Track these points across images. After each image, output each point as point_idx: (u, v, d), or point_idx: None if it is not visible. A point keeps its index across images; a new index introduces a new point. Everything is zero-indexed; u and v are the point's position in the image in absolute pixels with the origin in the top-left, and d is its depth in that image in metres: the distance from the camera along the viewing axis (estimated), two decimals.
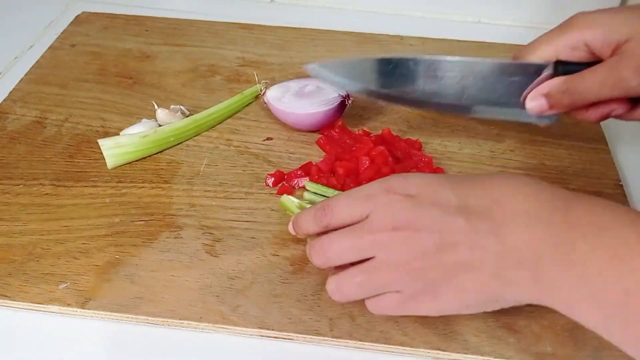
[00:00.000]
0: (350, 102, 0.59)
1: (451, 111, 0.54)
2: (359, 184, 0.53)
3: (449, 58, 0.49)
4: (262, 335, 0.44)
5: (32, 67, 0.69)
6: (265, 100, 0.61)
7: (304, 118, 0.59)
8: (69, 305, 0.45)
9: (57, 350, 0.44)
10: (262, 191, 0.54)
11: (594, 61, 0.45)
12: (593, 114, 0.46)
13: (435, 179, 0.39)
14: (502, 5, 0.80)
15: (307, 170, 0.56)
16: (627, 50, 0.42)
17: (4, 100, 0.65)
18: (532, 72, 0.47)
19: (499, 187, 0.38)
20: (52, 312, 0.46)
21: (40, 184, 0.55)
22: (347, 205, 0.40)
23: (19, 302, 0.46)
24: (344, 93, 0.59)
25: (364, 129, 0.61)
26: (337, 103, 0.58)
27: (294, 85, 0.61)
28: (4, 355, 0.44)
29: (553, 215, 0.35)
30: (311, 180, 0.54)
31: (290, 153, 0.59)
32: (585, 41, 0.44)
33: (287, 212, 0.49)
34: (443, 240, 0.36)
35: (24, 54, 0.74)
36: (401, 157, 0.57)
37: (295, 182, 0.55)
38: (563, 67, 0.45)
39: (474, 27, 0.81)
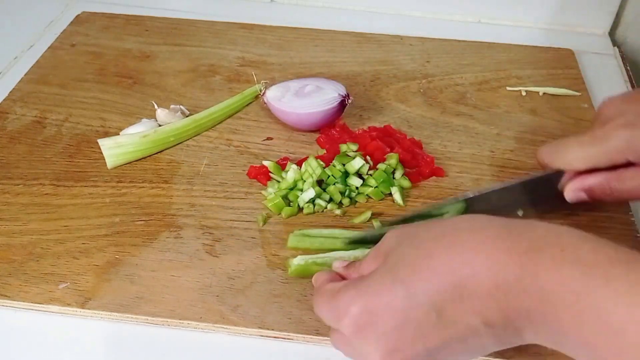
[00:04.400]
0: (350, 101, 0.59)
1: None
2: None
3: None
4: (262, 335, 0.44)
5: (32, 67, 0.69)
6: (265, 100, 0.61)
7: (304, 118, 0.59)
8: (69, 305, 0.45)
9: (57, 350, 0.44)
10: (262, 191, 0.54)
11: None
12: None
13: (380, 288, 0.36)
14: (502, 5, 0.80)
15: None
16: None
17: (4, 100, 0.65)
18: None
19: (457, 269, 0.34)
20: (52, 312, 0.46)
21: (40, 183, 0.55)
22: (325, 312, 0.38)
23: (19, 302, 0.46)
24: (343, 92, 0.59)
25: (364, 128, 0.61)
26: (337, 103, 0.58)
27: (294, 85, 0.61)
28: (4, 355, 0.44)
29: (522, 281, 0.33)
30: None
31: (290, 153, 0.59)
32: (625, 158, 0.43)
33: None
34: (430, 353, 0.35)
35: (24, 54, 0.74)
36: (406, 159, 0.56)
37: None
38: None
39: (474, 27, 0.81)
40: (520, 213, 0.50)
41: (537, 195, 0.49)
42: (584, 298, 0.31)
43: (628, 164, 0.44)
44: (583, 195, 0.46)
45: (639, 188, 0.44)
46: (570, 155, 0.45)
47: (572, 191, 0.47)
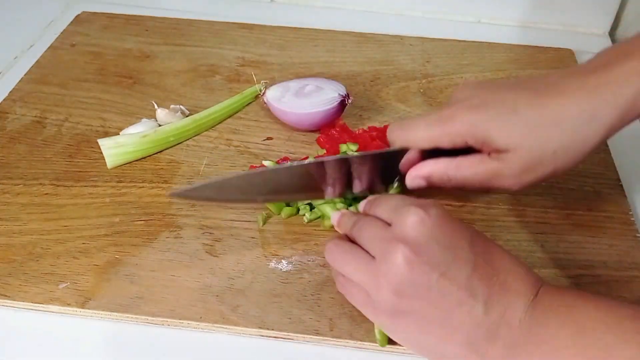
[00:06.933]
0: (350, 101, 0.59)
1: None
2: None
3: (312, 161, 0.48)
4: (262, 335, 0.44)
5: (32, 66, 0.69)
6: (265, 100, 0.61)
7: (304, 118, 0.59)
8: (69, 305, 0.45)
9: (57, 350, 0.44)
10: None
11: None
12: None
13: (457, 220, 0.40)
14: (502, 5, 0.80)
15: None
16: (509, 160, 0.42)
17: (4, 100, 0.65)
18: (399, 155, 0.48)
19: (504, 259, 0.39)
20: (52, 312, 0.46)
21: (40, 183, 0.55)
22: (370, 225, 0.41)
23: (19, 302, 0.46)
24: (343, 92, 0.59)
25: (364, 128, 0.61)
26: (337, 103, 0.58)
27: (294, 85, 0.61)
28: (4, 355, 0.44)
29: (536, 300, 0.37)
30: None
31: (290, 153, 0.59)
32: (465, 141, 0.44)
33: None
34: (438, 282, 0.37)
35: (24, 53, 0.74)
36: None
37: None
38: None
39: (474, 27, 0.81)
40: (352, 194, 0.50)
41: (381, 171, 0.49)
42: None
43: (470, 149, 0.44)
44: (422, 183, 0.47)
45: (475, 177, 0.45)
46: (414, 134, 0.45)
47: (411, 178, 0.47)
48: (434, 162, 0.46)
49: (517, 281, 0.38)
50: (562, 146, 0.41)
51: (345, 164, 0.47)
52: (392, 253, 0.37)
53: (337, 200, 0.51)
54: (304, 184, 0.48)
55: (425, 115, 0.46)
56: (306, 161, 0.48)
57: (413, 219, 0.38)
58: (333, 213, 0.45)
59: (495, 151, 0.43)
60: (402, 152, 0.47)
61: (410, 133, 0.46)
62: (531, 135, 0.42)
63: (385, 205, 0.41)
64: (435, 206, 0.39)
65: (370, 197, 0.44)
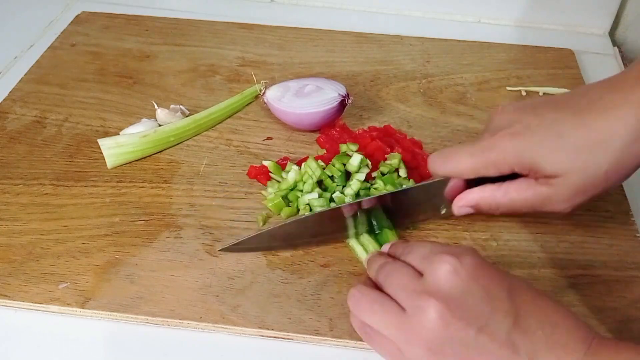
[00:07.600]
0: (350, 101, 0.59)
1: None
2: None
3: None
4: (261, 335, 0.44)
5: (32, 66, 0.69)
6: (265, 100, 0.61)
7: (304, 118, 0.59)
8: (69, 305, 0.45)
9: (57, 350, 0.44)
10: (262, 191, 0.54)
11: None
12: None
13: (494, 268, 0.38)
14: (502, 5, 0.80)
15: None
16: (559, 185, 0.42)
17: (4, 100, 0.65)
18: (442, 183, 0.47)
19: (549, 308, 0.37)
20: (52, 312, 0.46)
21: (40, 183, 0.55)
22: (400, 273, 0.39)
23: (19, 302, 0.46)
24: (343, 92, 0.59)
25: (364, 128, 0.61)
26: (337, 103, 0.58)
27: (294, 85, 0.61)
28: (4, 355, 0.44)
29: (588, 356, 0.35)
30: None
31: (290, 153, 0.59)
32: (511, 168, 0.43)
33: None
34: (477, 339, 0.35)
35: (24, 53, 0.74)
36: (406, 159, 0.56)
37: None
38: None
39: (474, 27, 0.81)
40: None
41: (425, 202, 0.48)
42: None
43: (515, 175, 0.43)
44: (470, 211, 0.46)
45: (525, 203, 0.44)
46: (459, 165, 0.45)
47: (458, 207, 0.47)
48: (480, 190, 0.45)
49: (565, 335, 0.35)
50: (612, 166, 0.40)
51: (387, 199, 0.47)
52: (424, 308, 0.35)
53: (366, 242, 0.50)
54: (348, 222, 0.48)
55: (466, 145, 0.45)
56: (345, 202, 0.48)
57: (446, 269, 0.36)
58: (366, 255, 0.45)
59: (543, 177, 0.42)
60: (446, 180, 0.47)
61: (453, 164, 0.45)
62: (580, 159, 0.40)
63: (416, 252, 0.39)
64: (470, 254, 0.37)
65: (398, 241, 0.43)
